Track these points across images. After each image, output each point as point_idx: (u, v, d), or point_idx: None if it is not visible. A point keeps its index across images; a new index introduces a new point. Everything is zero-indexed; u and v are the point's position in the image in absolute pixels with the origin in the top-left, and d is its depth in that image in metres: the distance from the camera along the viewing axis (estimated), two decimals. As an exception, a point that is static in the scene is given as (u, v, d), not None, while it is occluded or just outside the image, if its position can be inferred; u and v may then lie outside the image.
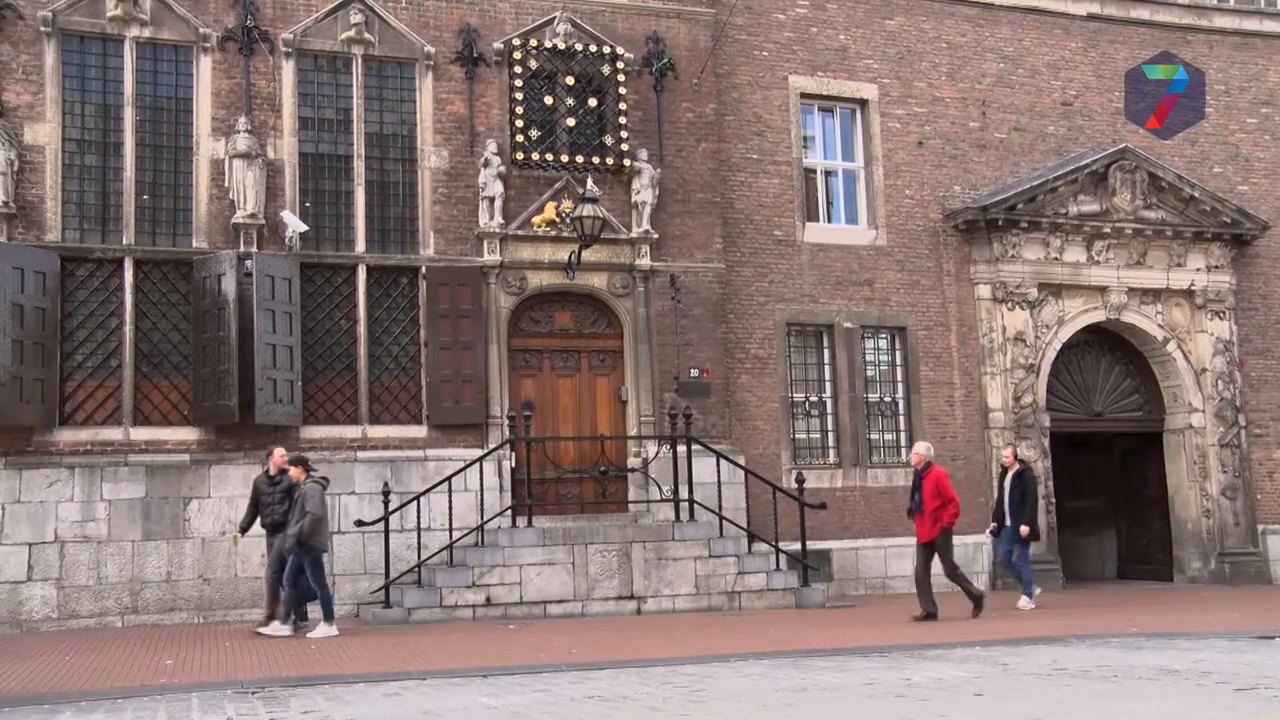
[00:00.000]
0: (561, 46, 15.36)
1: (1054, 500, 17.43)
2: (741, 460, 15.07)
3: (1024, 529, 13.69)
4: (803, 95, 17.25)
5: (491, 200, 14.89)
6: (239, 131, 14.02)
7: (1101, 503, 20.27)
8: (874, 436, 17.08)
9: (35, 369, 13.08)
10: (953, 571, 12.62)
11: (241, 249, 13.89)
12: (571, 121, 15.39)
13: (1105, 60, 18.89)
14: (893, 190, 17.51)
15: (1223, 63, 19.64)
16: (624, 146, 15.45)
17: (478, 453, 14.16)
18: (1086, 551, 20.24)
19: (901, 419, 17.28)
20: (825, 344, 17.05)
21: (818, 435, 16.93)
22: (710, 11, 16.38)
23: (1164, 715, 6.23)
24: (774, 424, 16.34)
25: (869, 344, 17.27)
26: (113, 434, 13.49)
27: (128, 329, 13.69)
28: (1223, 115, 19.50)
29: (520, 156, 15.07)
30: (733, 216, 16.47)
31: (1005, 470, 14.37)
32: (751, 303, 16.49)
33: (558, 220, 15.06)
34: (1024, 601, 13.68)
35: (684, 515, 14.02)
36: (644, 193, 15.45)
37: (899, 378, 17.35)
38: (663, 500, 14.27)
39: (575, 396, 15.39)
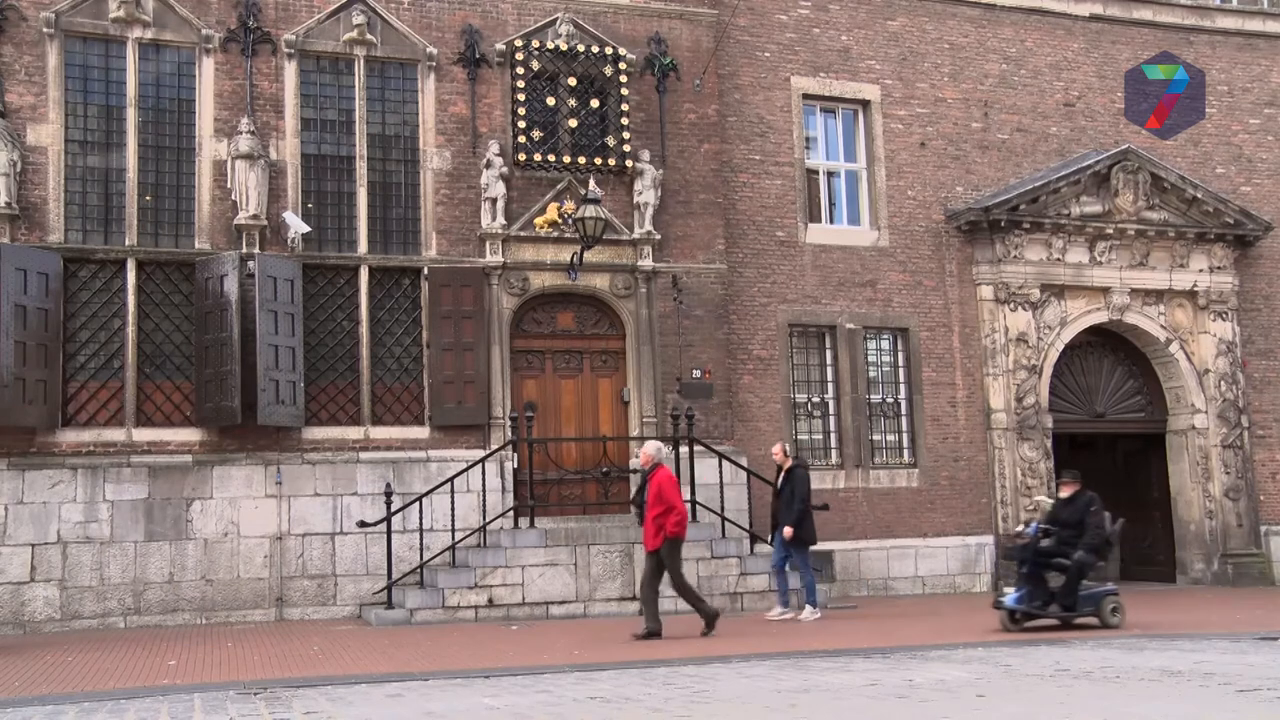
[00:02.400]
0: (564, 47, 15.36)
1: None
2: (744, 461, 15.06)
3: (788, 530, 12.53)
4: (805, 96, 17.25)
5: (494, 201, 14.89)
6: (241, 132, 14.03)
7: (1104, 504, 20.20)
8: (876, 438, 17.08)
9: (38, 370, 13.09)
10: (680, 585, 11.19)
11: (244, 250, 13.90)
12: (574, 122, 15.38)
13: (1108, 61, 18.88)
14: (895, 191, 17.50)
15: (1225, 63, 19.62)
16: (626, 147, 15.45)
17: (480, 454, 14.17)
18: (1089, 552, 20.19)
19: (904, 420, 17.28)
20: (827, 345, 17.04)
21: (820, 436, 16.93)
22: (712, 12, 16.38)
23: (1167, 717, 6.22)
24: (776, 425, 16.33)
25: (871, 345, 17.27)
26: (115, 435, 13.51)
27: (130, 330, 13.70)
28: (1225, 116, 19.49)
29: (522, 157, 15.07)
30: (735, 217, 16.48)
31: (780, 469, 13.18)
32: (754, 304, 16.49)
33: (560, 221, 15.07)
34: (808, 612, 12.54)
35: (686, 516, 14.00)
36: (646, 194, 15.45)
37: (901, 379, 17.34)
38: (665, 501, 14.24)
39: (577, 397, 15.39)
